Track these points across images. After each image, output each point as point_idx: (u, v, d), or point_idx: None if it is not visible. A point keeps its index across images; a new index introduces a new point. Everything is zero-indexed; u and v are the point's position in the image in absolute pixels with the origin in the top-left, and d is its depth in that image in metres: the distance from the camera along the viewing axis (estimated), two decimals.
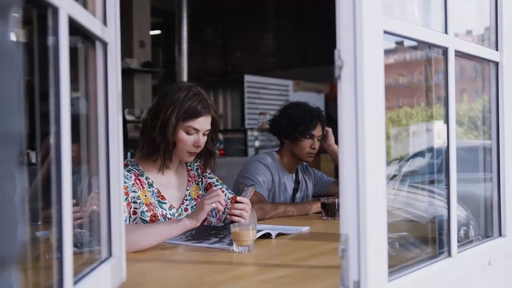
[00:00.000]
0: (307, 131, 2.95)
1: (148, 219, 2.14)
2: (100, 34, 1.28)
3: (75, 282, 1.08)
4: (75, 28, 1.10)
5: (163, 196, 2.22)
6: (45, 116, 1.01)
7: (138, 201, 2.13)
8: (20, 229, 0.54)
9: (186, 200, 2.32)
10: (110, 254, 1.36)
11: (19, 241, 0.55)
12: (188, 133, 2.18)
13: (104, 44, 1.33)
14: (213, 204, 1.97)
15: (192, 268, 1.71)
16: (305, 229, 2.32)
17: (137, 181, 2.16)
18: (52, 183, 1.00)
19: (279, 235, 2.15)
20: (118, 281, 1.38)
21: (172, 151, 2.19)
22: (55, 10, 0.99)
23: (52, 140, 1.01)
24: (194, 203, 2.33)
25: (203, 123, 2.19)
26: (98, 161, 1.35)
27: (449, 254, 1.48)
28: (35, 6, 0.99)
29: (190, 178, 2.37)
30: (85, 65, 1.32)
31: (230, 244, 1.88)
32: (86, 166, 1.39)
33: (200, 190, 2.37)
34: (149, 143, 2.19)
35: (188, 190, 2.33)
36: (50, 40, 1.01)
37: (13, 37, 0.55)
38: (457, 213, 1.54)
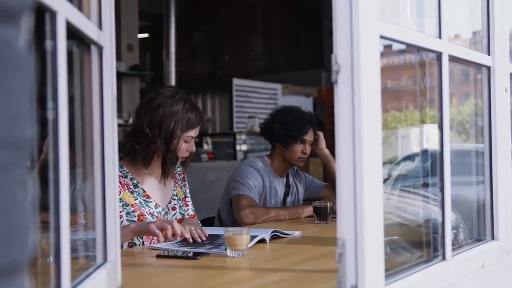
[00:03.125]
0: (299, 136, 2.95)
1: (135, 219, 2.21)
2: (96, 38, 1.28)
3: None
4: (71, 32, 1.10)
5: (148, 195, 2.29)
6: (41, 119, 1.00)
7: (121, 203, 2.18)
8: (31, 236, 0.54)
9: (174, 199, 2.41)
10: (105, 259, 1.35)
11: (31, 247, 0.55)
12: (186, 141, 2.29)
13: (100, 48, 1.33)
14: (157, 231, 1.93)
15: (186, 273, 1.71)
16: (297, 233, 2.32)
17: (119, 183, 2.20)
18: (50, 188, 0.99)
19: (273, 238, 2.15)
20: (113, 286, 1.37)
21: (177, 161, 2.29)
22: (53, 14, 0.98)
23: (49, 144, 1.00)
24: (181, 203, 2.43)
25: (198, 130, 2.34)
26: (93, 165, 1.34)
27: (444, 258, 1.49)
28: (32, 10, 0.98)
29: (176, 180, 2.46)
30: (80, 69, 1.32)
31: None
32: (81, 170, 1.38)
33: (183, 193, 2.48)
34: (150, 153, 2.25)
35: (175, 190, 2.43)
36: (48, 44, 1.00)
37: (24, 42, 0.55)
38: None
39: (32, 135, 0.55)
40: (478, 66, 1.80)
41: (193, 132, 2.30)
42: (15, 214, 0.52)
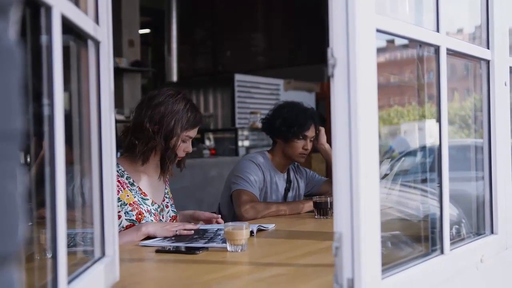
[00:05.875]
0: (301, 132, 2.94)
1: (134, 217, 2.22)
2: (93, 33, 1.28)
3: (69, 282, 1.07)
4: (67, 27, 1.10)
5: (144, 193, 2.31)
6: (37, 116, 1.00)
7: (119, 203, 2.19)
8: (21, 227, 0.54)
9: (166, 197, 2.44)
10: (103, 253, 1.35)
11: (20, 238, 0.55)
12: (184, 141, 2.30)
13: (97, 43, 1.33)
14: (177, 232, 2.12)
15: (185, 268, 1.71)
16: (271, 226, 2.35)
17: (117, 182, 2.21)
18: (46, 184, 0.99)
19: (258, 231, 2.20)
20: (111, 281, 1.37)
21: (175, 159, 2.31)
22: (48, 8, 0.98)
23: (45, 140, 1.00)
24: (172, 202, 2.47)
25: (196, 131, 2.35)
26: (90, 161, 1.34)
27: (442, 252, 1.49)
28: (27, 5, 0.98)
29: (167, 179, 2.48)
30: (77, 64, 1.32)
31: (224, 241, 1.88)
32: (78, 166, 1.38)
33: (170, 193, 2.51)
34: (149, 149, 2.26)
35: (166, 189, 2.46)
36: (43, 39, 1.00)
37: (12, 35, 0.55)
38: (449, 211, 1.54)
39: (21, 127, 0.56)
40: (477, 60, 1.79)
41: (192, 133, 2.32)
42: (4, 205, 0.52)
